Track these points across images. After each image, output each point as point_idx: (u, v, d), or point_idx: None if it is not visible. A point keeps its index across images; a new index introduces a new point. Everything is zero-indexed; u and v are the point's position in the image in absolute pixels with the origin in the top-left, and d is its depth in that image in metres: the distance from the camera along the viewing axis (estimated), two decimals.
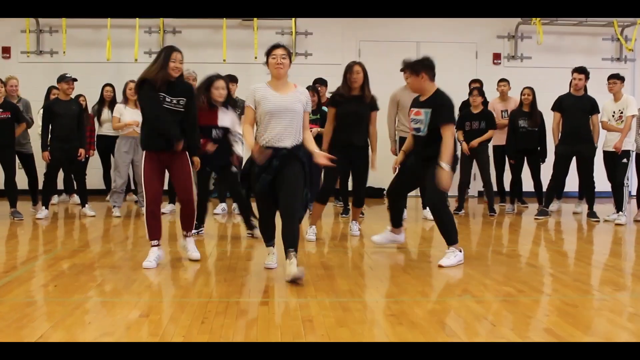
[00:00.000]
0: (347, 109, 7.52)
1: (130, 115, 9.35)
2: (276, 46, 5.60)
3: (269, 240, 5.90)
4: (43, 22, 12.19)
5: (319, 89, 10.18)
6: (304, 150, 5.59)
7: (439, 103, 6.24)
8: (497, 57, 12.70)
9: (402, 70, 9.10)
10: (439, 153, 6.01)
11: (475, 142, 9.71)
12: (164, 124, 5.86)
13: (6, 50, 12.24)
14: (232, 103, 7.82)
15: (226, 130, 7.38)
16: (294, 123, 5.53)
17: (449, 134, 6.08)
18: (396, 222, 6.94)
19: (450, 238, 6.26)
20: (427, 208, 9.34)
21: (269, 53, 5.59)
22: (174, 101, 5.89)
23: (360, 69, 7.60)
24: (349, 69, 7.77)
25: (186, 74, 9.51)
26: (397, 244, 7.06)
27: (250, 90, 5.65)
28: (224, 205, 9.74)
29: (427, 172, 6.15)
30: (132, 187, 10.79)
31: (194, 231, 6.52)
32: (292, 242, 5.40)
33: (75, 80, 9.14)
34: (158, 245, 6.06)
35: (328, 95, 10.34)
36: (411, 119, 6.42)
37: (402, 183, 6.67)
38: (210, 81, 7.36)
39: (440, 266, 6.05)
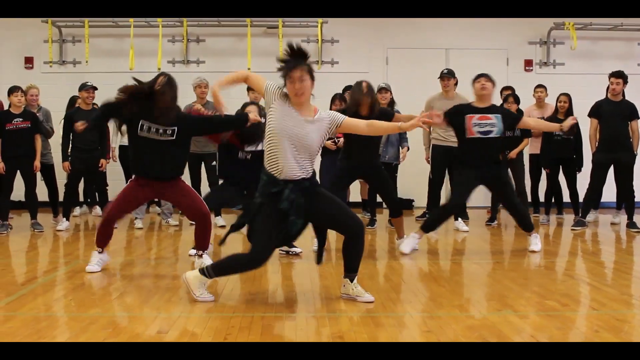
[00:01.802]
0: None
1: None
2: (293, 67, 4.60)
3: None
4: (66, 32, 12.07)
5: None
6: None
7: (506, 111, 7.48)
8: (528, 63, 12.33)
9: (440, 77, 8.91)
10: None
11: (513, 154, 9.38)
12: None
13: (29, 61, 12.12)
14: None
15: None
16: (310, 151, 4.75)
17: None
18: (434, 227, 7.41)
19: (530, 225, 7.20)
20: (459, 219, 9.06)
21: (286, 75, 4.63)
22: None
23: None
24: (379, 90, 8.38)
25: (197, 81, 9.35)
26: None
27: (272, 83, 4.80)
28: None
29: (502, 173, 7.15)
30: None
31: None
32: (357, 264, 5.01)
33: (95, 88, 8.99)
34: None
35: None
36: (476, 124, 6.82)
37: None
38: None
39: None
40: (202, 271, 4.84)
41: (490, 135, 6.95)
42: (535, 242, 7.29)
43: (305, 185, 4.71)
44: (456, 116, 7.02)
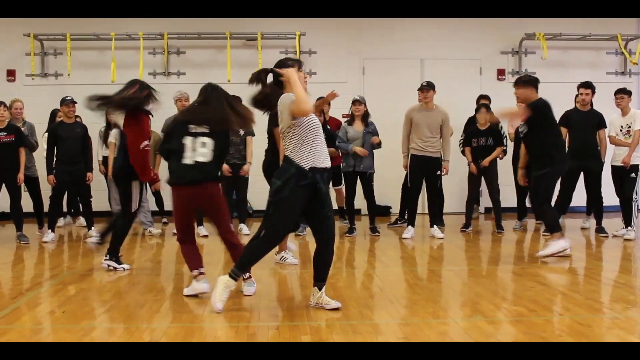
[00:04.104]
0: None
1: None
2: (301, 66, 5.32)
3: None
4: (47, 44, 12.21)
5: (324, 108, 10.15)
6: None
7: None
8: (501, 72, 12.65)
9: (420, 89, 9.17)
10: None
11: (486, 162, 9.67)
12: None
13: (11, 74, 12.24)
14: None
15: None
16: None
17: None
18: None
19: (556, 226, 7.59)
20: (434, 226, 9.35)
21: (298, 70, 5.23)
22: None
23: None
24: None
25: (178, 95, 9.59)
26: None
27: None
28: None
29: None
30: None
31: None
32: (327, 273, 5.28)
33: (75, 102, 9.13)
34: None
35: (331, 114, 10.33)
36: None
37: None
38: None
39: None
40: (230, 275, 5.15)
41: None
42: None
43: (327, 175, 5.16)
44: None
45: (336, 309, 5.12)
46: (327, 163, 5.10)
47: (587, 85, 9.23)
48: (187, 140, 5.68)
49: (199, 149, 5.67)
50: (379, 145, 9.35)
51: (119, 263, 6.95)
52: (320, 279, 5.24)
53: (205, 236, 9.21)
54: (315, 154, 5.03)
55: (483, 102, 10.60)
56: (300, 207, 5.05)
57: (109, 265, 6.90)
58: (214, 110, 5.76)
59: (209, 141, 5.70)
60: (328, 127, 9.64)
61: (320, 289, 5.22)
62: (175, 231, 9.58)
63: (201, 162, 5.65)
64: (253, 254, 5.21)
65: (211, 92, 5.86)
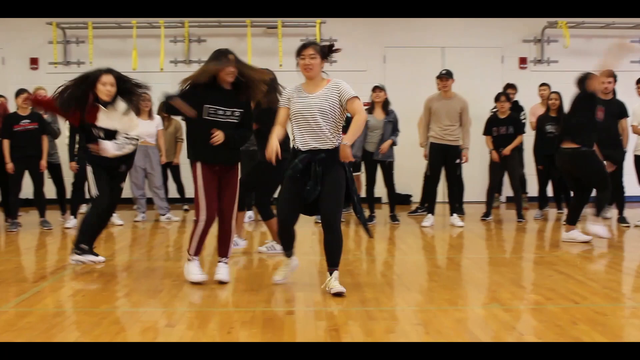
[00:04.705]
0: None
1: (142, 127, 9.37)
2: (305, 45, 5.28)
3: (288, 249, 5.58)
4: (70, 33, 12.32)
5: None
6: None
7: None
8: (523, 61, 12.57)
9: (439, 77, 9.17)
10: None
11: (507, 151, 9.63)
12: None
13: (34, 62, 12.38)
14: None
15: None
16: (321, 123, 5.16)
17: None
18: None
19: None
20: (454, 214, 9.34)
21: (298, 53, 5.27)
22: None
23: None
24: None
25: None
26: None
27: (284, 91, 5.50)
28: (251, 213, 9.74)
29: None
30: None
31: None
32: (335, 259, 5.27)
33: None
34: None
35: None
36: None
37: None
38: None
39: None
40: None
41: None
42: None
43: (321, 157, 5.17)
44: None
45: (338, 294, 5.11)
46: (309, 146, 5.19)
47: (610, 74, 9.14)
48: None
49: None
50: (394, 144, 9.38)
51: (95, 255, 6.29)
52: (329, 264, 5.28)
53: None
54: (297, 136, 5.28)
55: (510, 91, 10.58)
56: (295, 189, 5.24)
57: (76, 261, 6.21)
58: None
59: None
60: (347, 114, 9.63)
61: (330, 274, 5.25)
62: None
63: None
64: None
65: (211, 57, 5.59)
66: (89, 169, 6.22)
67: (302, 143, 5.22)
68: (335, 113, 5.20)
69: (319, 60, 5.23)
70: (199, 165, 5.56)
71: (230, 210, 5.72)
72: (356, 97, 5.20)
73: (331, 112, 5.18)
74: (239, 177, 5.81)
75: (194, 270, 5.65)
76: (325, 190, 5.17)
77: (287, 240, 5.51)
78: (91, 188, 6.22)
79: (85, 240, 6.21)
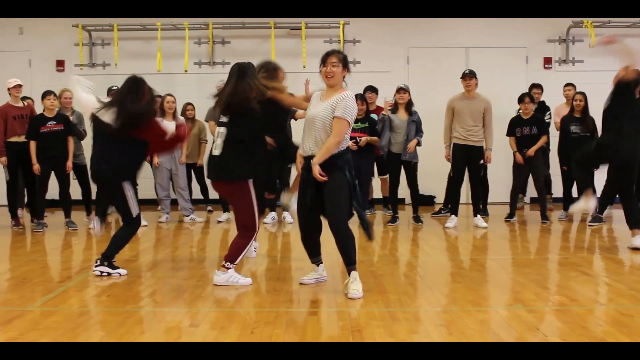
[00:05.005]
0: None
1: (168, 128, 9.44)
2: (329, 54, 5.35)
3: (313, 257, 5.69)
4: (95, 35, 12.43)
5: (369, 96, 10.19)
6: (347, 157, 5.33)
7: None
8: (547, 61, 12.47)
9: (462, 77, 9.14)
10: None
11: (531, 152, 9.56)
12: None
13: (60, 64, 12.51)
14: None
15: None
16: (322, 132, 5.25)
17: None
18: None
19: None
20: (478, 215, 9.30)
21: (323, 61, 5.35)
22: None
23: None
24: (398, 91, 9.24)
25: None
26: None
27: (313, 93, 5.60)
28: (274, 214, 9.77)
29: None
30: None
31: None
32: (347, 259, 5.31)
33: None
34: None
35: (378, 103, 10.36)
36: None
37: None
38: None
39: None
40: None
41: None
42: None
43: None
44: None
45: (354, 299, 5.11)
46: (312, 152, 5.28)
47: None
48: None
49: (217, 141, 5.62)
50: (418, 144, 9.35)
51: (114, 268, 6.17)
52: (345, 264, 5.36)
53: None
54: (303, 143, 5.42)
55: (535, 91, 10.53)
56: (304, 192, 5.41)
57: (101, 272, 6.10)
58: (224, 92, 5.63)
59: (223, 131, 5.61)
60: (372, 115, 9.71)
61: (349, 274, 5.30)
62: (220, 219, 9.82)
63: (215, 155, 5.60)
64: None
65: (231, 73, 5.74)
66: (128, 187, 6.14)
67: (303, 149, 5.38)
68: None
69: (341, 69, 5.32)
70: (250, 183, 5.64)
71: (239, 222, 5.85)
72: (342, 118, 5.22)
73: (329, 123, 5.25)
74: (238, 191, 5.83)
75: (238, 275, 5.69)
76: (325, 195, 5.27)
77: (308, 246, 5.64)
78: (132, 207, 6.13)
79: (114, 255, 6.21)
